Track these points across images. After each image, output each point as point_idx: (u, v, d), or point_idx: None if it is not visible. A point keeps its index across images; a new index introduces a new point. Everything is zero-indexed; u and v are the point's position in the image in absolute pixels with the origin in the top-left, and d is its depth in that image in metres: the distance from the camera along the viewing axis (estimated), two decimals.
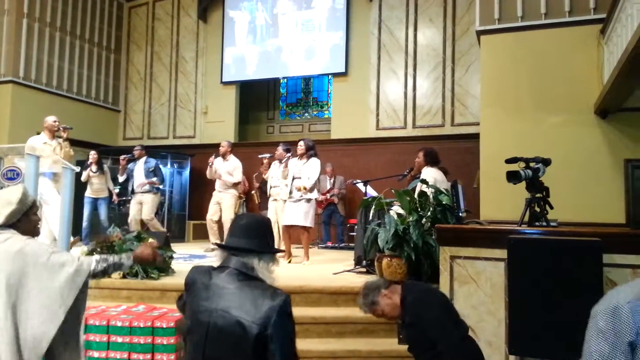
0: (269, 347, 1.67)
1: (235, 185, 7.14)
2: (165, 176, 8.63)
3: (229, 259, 1.83)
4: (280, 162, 6.54)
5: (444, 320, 2.50)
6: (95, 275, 2.11)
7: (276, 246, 6.69)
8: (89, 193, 7.70)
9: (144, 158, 7.55)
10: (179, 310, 1.97)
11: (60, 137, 6.06)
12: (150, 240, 4.39)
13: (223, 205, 7.01)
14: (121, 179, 7.62)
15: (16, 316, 1.88)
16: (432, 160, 5.06)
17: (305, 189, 5.87)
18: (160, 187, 7.70)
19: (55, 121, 6.13)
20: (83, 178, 7.59)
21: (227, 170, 7.03)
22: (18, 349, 1.88)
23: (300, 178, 5.97)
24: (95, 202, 7.74)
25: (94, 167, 7.69)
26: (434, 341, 2.44)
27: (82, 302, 2.08)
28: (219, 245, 1.92)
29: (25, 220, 2.08)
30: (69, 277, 1.99)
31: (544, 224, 3.34)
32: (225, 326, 1.68)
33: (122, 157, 7.62)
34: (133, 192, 7.42)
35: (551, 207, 3.45)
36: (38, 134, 8.73)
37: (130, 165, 7.54)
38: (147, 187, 7.31)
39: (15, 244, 1.92)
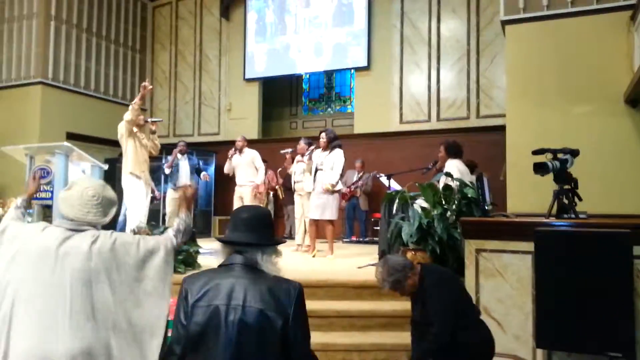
0: (289, 335, 1.70)
1: (263, 183, 7.16)
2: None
3: (233, 256, 1.82)
4: (303, 156, 6.54)
5: (448, 311, 2.70)
6: (178, 250, 2.21)
7: (300, 240, 6.74)
8: None
9: (187, 156, 7.68)
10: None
11: (153, 131, 6.05)
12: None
13: (246, 201, 7.06)
14: (167, 171, 7.67)
15: (126, 308, 1.89)
16: (454, 152, 5.01)
17: (332, 186, 5.84)
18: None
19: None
20: None
21: (245, 162, 7.08)
22: (134, 336, 1.90)
23: (322, 170, 5.95)
24: None
25: None
26: (432, 324, 2.70)
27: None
28: (222, 240, 1.90)
29: None
30: (163, 259, 2.02)
31: (572, 216, 3.27)
32: (252, 320, 1.68)
33: (175, 150, 7.65)
34: (176, 187, 7.48)
35: (580, 199, 3.37)
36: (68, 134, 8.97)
37: (175, 161, 7.64)
38: (191, 181, 7.38)
39: (106, 242, 1.91)
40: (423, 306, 2.78)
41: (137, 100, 5.68)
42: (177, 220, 2.25)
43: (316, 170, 6.03)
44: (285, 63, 10.23)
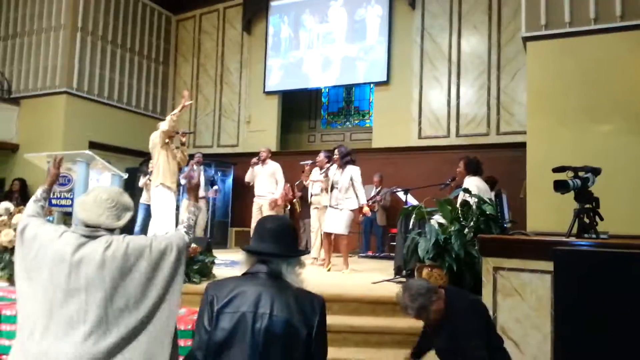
0: (311, 347, 1.72)
1: (281, 196, 7.19)
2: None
3: (258, 265, 1.84)
4: (321, 169, 6.53)
5: (483, 336, 2.54)
6: (190, 245, 2.18)
7: (315, 253, 6.71)
8: (144, 200, 7.85)
9: (202, 166, 7.75)
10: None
11: (182, 143, 6.07)
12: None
13: (264, 211, 7.07)
14: (183, 182, 7.77)
15: (138, 311, 1.88)
16: (473, 169, 4.95)
17: (369, 206, 5.96)
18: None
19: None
20: (140, 184, 7.82)
21: (267, 173, 7.11)
22: (148, 340, 1.88)
23: (338, 189, 5.94)
24: (149, 208, 7.91)
25: (151, 176, 7.88)
26: (464, 352, 2.50)
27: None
28: (247, 250, 1.92)
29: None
30: (175, 258, 2.01)
31: (594, 235, 3.20)
32: (278, 329, 1.70)
33: (191, 161, 7.73)
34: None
35: (601, 219, 3.30)
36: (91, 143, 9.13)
37: (191, 173, 7.72)
38: (210, 194, 7.49)
39: (120, 247, 1.91)
40: (452, 332, 2.59)
41: (176, 111, 5.72)
42: (185, 215, 2.24)
43: (332, 187, 6.02)
44: (306, 77, 10.30)
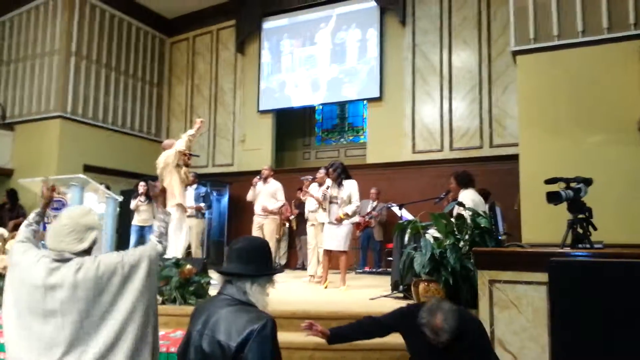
0: None
1: (278, 209, 7.18)
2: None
3: (225, 285, 1.90)
4: (320, 185, 6.50)
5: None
6: (164, 253, 2.21)
7: (312, 271, 6.67)
8: (136, 222, 7.86)
9: (195, 185, 7.74)
10: None
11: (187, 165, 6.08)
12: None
13: (265, 231, 7.02)
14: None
15: (113, 327, 1.91)
16: (465, 182, 4.96)
17: (346, 215, 5.82)
18: (205, 213, 7.84)
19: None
20: (132, 206, 7.82)
21: (269, 192, 7.10)
22: (120, 337, 1.92)
23: (337, 203, 5.94)
24: (141, 230, 7.90)
25: (142, 198, 7.89)
26: None
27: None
28: (217, 271, 1.98)
29: (95, 243, 2.09)
30: (146, 271, 2.03)
31: (588, 245, 3.21)
32: (209, 348, 1.75)
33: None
34: None
35: (594, 229, 3.31)
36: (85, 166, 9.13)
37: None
38: (192, 211, 7.46)
39: (91, 268, 1.93)
40: (463, 351, 2.46)
41: (192, 131, 5.76)
42: (155, 223, 2.27)
43: (330, 202, 6.01)
44: (300, 95, 10.39)
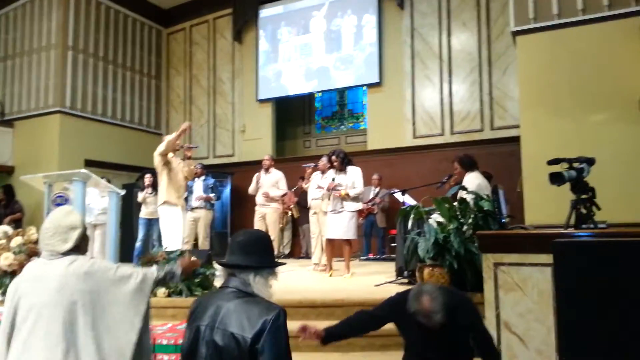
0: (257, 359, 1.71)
1: (280, 197, 7.19)
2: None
3: (229, 278, 1.89)
4: (323, 173, 6.49)
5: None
6: (157, 282, 2.22)
7: (317, 259, 6.68)
8: (143, 214, 7.84)
9: (204, 176, 7.75)
10: None
11: (188, 157, 6.19)
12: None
13: (268, 221, 7.03)
14: (184, 195, 7.78)
15: (98, 332, 1.94)
16: (469, 164, 4.95)
17: (348, 195, 5.81)
18: (214, 204, 7.87)
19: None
20: (140, 199, 7.82)
21: (271, 182, 7.10)
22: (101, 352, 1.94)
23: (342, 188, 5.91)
24: (149, 222, 7.90)
25: (149, 190, 7.89)
26: (481, 334, 2.55)
27: (149, 309, 2.15)
28: (220, 263, 1.98)
29: (84, 240, 2.14)
30: (137, 286, 2.07)
31: (592, 226, 3.20)
32: (223, 342, 1.73)
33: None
34: (191, 208, 7.56)
35: (598, 208, 3.30)
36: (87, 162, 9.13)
37: (189, 183, 7.73)
38: (201, 202, 7.48)
39: (83, 265, 1.98)
40: (457, 323, 2.45)
41: (173, 136, 5.80)
42: (170, 265, 2.33)
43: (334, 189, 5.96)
44: (298, 83, 10.34)
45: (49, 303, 1.91)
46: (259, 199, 7.12)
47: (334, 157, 6.06)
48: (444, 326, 2.39)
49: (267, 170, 7.16)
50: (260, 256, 1.90)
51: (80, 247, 2.11)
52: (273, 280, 1.91)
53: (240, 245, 1.91)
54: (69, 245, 2.06)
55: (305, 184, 6.97)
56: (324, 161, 6.53)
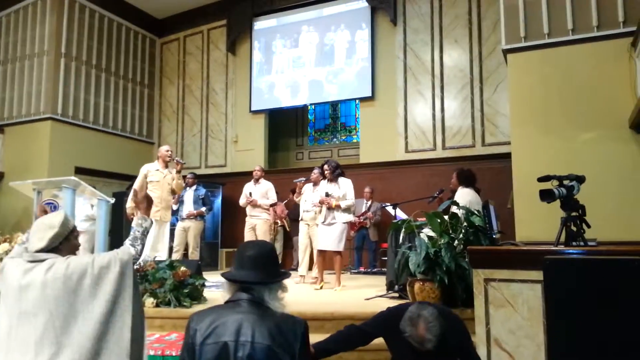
0: None
1: (270, 207, 7.19)
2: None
3: (240, 292, 1.86)
4: (315, 185, 6.48)
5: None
6: (139, 257, 2.24)
7: (303, 271, 6.65)
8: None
9: (195, 186, 7.73)
10: None
11: (178, 170, 6.22)
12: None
13: (258, 232, 7.01)
14: (174, 207, 7.77)
15: (86, 327, 1.92)
16: (465, 180, 4.98)
17: (338, 207, 5.80)
18: (206, 215, 7.84)
19: (167, 150, 6.34)
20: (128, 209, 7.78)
21: (260, 192, 7.11)
22: (98, 350, 1.92)
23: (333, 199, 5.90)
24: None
25: None
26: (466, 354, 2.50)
27: (138, 292, 2.13)
28: (229, 279, 1.92)
29: (66, 244, 2.12)
30: (118, 273, 2.03)
31: (582, 243, 3.22)
32: (260, 356, 1.71)
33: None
34: (182, 218, 7.54)
35: (588, 226, 3.32)
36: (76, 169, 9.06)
37: (181, 192, 7.72)
38: (195, 217, 7.45)
39: (60, 267, 1.96)
40: (447, 343, 2.39)
41: (130, 197, 5.92)
42: (132, 227, 2.32)
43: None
44: (292, 95, 10.38)
45: (33, 311, 1.90)
46: (249, 209, 7.11)
47: (325, 167, 6.08)
48: (435, 347, 2.35)
49: (257, 180, 7.17)
50: (271, 270, 1.91)
51: (61, 249, 2.08)
52: (284, 294, 1.91)
53: (251, 260, 1.89)
54: (43, 244, 2.03)
55: (296, 197, 6.95)
56: (316, 173, 6.53)
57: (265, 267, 1.88)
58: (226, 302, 1.89)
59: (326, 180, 6.11)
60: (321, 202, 5.96)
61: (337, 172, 6.03)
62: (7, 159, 9.57)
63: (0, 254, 4.71)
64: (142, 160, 11.21)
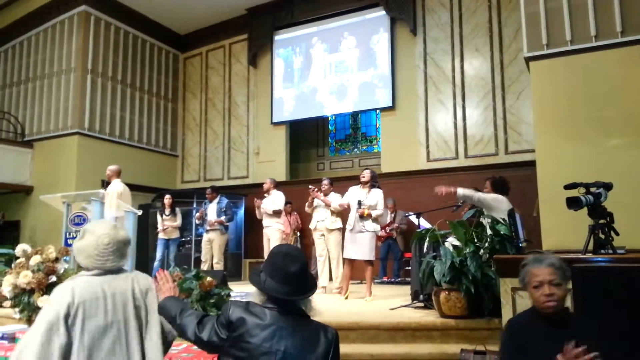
0: None
1: (277, 215, 7.33)
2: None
3: (278, 302, 1.88)
4: (326, 195, 6.50)
5: None
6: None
7: (325, 282, 6.65)
8: (162, 235, 8.02)
9: (217, 198, 7.87)
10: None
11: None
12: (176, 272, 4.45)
13: (271, 242, 7.20)
14: (198, 222, 8.03)
15: (144, 344, 2.04)
16: (498, 188, 4.95)
17: (369, 215, 5.80)
18: (227, 225, 7.97)
19: None
20: (159, 222, 8.04)
21: (269, 203, 7.35)
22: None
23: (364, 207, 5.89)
24: (167, 242, 8.03)
25: (167, 210, 8.03)
26: None
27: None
28: (274, 296, 1.88)
29: None
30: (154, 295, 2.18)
31: (610, 251, 3.18)
32: None
33: (201, 209, 8.08)
34: (206, 230, 7.73)
35: (617, 234, 3.28)
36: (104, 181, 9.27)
37: (204, 206, 7.91)
38: (215, 225, 7.60)
39: (142, 281, 2.10)
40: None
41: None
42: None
43: (357, 207, 5.90)
44: (313, 106, 10.45)
45: (122, 320, 1.97)
46: (265, 220, 7.37)
47: (366, 172, 6.09)
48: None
49: (267, 192, 7.30)
50: (309, 283, 1.96)
51: None
52: (314, 301, 1.97)
53: (295, 276, 1.88)
54: (126, 260, 2.11)
55: (307, 208, 6.82)
56: (325, 185, 6.56)
57: (306, 281, 1.93)
58: (262, 307, 1.88)
59: (359, 186, 6.08)
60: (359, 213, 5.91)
61: (373, 182, 6.03)
62: (36, 173, 9.83)
63: (32, 266, 4.81)
64: (166, 173, 11.46)
